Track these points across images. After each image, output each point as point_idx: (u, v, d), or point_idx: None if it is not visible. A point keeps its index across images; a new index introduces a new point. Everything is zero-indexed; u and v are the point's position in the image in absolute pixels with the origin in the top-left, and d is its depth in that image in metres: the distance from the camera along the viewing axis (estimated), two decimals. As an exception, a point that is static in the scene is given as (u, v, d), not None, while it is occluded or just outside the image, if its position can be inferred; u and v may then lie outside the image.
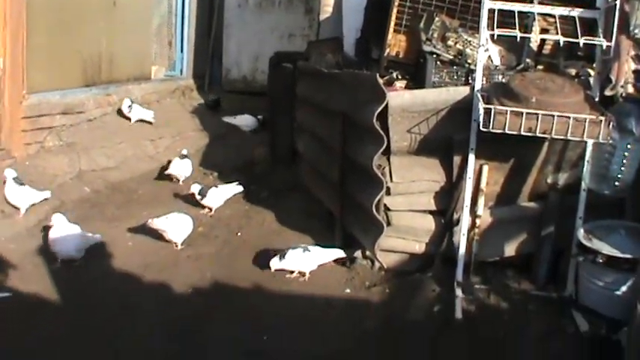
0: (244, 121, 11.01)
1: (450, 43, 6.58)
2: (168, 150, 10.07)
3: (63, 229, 6.29)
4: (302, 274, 6.03)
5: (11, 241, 6.70)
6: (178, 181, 8.94)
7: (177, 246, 6.64)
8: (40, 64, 8.80)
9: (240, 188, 7.95)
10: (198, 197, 7.68)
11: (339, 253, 6.17)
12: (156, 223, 6.67)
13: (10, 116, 8.09)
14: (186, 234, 6.72)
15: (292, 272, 6.04)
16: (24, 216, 7.14)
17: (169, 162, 9.13)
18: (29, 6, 8.37)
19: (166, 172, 9.00)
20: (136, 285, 5.94)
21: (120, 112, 10.11)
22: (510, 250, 5.92)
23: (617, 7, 5.36)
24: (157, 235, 6.84)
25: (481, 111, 5.16)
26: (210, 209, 7.71)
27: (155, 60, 13.05)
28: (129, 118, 10.06)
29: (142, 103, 10.77)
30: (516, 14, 5.63)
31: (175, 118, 11.00)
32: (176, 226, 6.68)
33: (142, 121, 10.22)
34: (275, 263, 5.97)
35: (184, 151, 9.37)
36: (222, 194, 7.76)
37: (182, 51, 13.64)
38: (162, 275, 6.08)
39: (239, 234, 7.05)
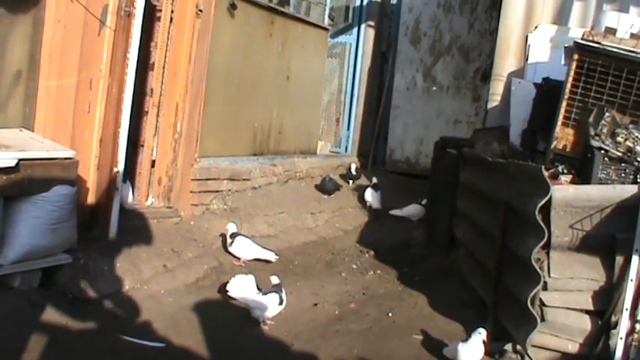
0: (412, 211, 10.73)
1: (619, 139, 6.44)
2: (327, 224, 10.26)
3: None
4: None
5: (170, 294, 6.99)
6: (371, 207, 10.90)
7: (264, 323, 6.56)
8: (213, 131, 9.23)
9: (273, 257, 8.18)
10: (228, 240, 8.01)
11: None
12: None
13: (182, 177, 8.52)
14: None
15: None
16: (184, 272, 7.47)
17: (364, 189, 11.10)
18: (209, 76, 8.83)
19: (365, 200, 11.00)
20: (284, 352, 6.04)
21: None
22: (672, 359, 5.65)
23: None
24: (307, 306, 6.97)
25: (648, 211, 5.02)
26: (238, 259, 8.06)
27: (322, 135, 13.40)
28: (232, 255, 8.16)
29: (305, 176, 11.05)
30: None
31: (337, 194, 11.17)
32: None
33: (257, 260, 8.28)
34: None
35: (374, 179, 11.01)
36: (250, 250, 8.08)
37: (349, 129, 13.94)
38: (310, 346, 6.15)
39: (390, 314, 7.03)
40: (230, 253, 8.04)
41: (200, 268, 7.68)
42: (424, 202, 10.58)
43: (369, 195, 11.06)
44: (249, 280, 6.73)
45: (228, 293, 6.71)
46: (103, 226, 7.38)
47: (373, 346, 6.22)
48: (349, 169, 11.90)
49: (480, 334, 5.73)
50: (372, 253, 9.32)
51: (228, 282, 6.81)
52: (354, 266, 8.73)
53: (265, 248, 8.25)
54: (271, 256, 8.20)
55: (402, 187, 11.90)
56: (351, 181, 11.89)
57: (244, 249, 8.03)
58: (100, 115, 7.32)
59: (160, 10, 8.50)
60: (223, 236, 8.17)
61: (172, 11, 8.45)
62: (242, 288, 6.67)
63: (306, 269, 8.45)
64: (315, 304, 7.20)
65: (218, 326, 6.32)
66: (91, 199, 7.38)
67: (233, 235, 8.00)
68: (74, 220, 6.67)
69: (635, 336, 5.50)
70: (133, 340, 5.78)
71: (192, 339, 6.01)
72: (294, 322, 6.61)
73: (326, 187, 11.10)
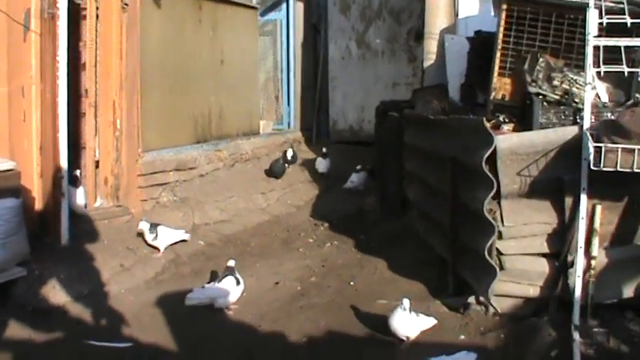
0: (359, 179, 10.80)
1: (555, 83, 6.51)
2: (279, 202, 10.29)
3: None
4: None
5: (130, 293, 6.95)
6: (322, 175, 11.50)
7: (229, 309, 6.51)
8: (154, 124, 9.17)
9: (188, 236, 8.16)
10: (148, 236, 7.79)
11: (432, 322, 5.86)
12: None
13: (128, 174, 8.45)
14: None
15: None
16: (142, 269, 7.44)
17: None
18: (143, 69, 8.74)
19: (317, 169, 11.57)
20: (251, 335, 6.02)
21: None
22: (629, 291, 5.72)
23: None
24: (269, 286, 6.99)
25: (591, 150, 5.09)
26: (159, 250, 7.84)
27: (263, 115, 13.39)
28: (156, 248, 7.89)
29: (251, 157, 11.02)
30: (622, 49, 5.53)
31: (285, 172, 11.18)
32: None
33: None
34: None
35: (324, 149, 11.52)
36: (171, 237, 7.97)
37: (289, 105, 13.98)
38: (277, 325, 6.14)
39: (351, 283, 7.05)
40: (152, 246, 7.83)
41: (157, 263, 7.64)
42: (359, 167, 10.68)
43: (319, 163, 11.49)
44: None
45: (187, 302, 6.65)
46: (55, 234, 7.29)
47: (339, 317, 6.23)
48: (284, 154, 11.55)
49: (403, 305, 5.58)
50: (326, 225, 9.36)
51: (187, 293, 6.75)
52: (311, 240, 8.75)
53: (176, 229, 8.20)
54: (186, 236, 8.16)
55: (349, 156, 11.94)
56: (287, 165, 11.47)
57: (168, 237, 7.92)
58: (37, 123, 7.20)
59: (85, 9, 8.34)
60: (141, 235, 8.01)
61: (97, 8, 8.29)
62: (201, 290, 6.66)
63: (263, 249, 8.45)
64: (277, 283, 7.20)
65: (183, 318, 6.28)
66: (38, 208, 7.27)
67: (153, 227, 7.80)
68: (24, 232, 6.57)
69: (592, 272, 5.58)
70: (100, 344, 5.74)
71: (159, 334, 5.96)
72: (257, 304, 6.60)
73: (275, 171, 11.08)
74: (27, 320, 6.02)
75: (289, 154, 11.51)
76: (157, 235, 7.78)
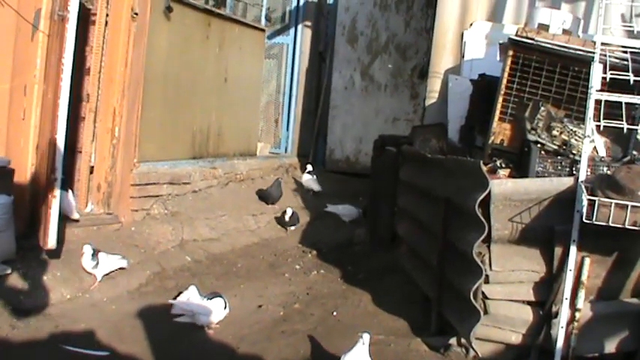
0: (346, 210, 10.82)
1: (555, 133, 6.55)
2: (269, 225, 10.26)
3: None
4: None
5: (113, 302, 6.91)
6: (310, 191, 11.76)
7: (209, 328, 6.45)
8: (152, 135, 9.15)
9: (125, 262, 7.47)
10: (89, 261, 7.07)
11: None
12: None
13: (121, 183, 8.42)
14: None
15: None
16: (126, 279, 7.40)
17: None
18: (146, 79, 8.75)
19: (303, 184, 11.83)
20: (230, 356, 5.99)
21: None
22: (610, 346, 5.73)
23: None
24: (252, 309, 6.96)
25: (585, 202, 5.11)
26: (96, 278, 7.15)
27: (261, 137, 13.41)
28: (92, 275, 7.19)
29: (246, 178, 11.02)
30: (623, 105, 5.57)
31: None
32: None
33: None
34: None
35: (309, 167, 11.73)
36: (110, 264, 7.28)
37: (288, 129, 14.00)
38: (256, 348, 6.10)
39: (334, 313, 7.03)
40: (89, 273, 7.16)
41: (142, 274, 7.61)
42: (361, 209, 10.71)
43: (306, 180, 11.77)
44: (192, 291, 6.68)
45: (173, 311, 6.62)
46: (42, 235, 7.22)
47: (319, 346, 6.21)
48: (284, 213, 10.30)
49: (362, 339, 5.44)
50: (314, 252, 9.35)
51: (173, 299, 6.72)
52: (298, 267, 8.73)
53: (116, 255, 7.55)
54: (123, 263, 7.48)
55: (343, 186, 11.95)
56: (288, 228, 10.40)
57: (110, 264, 7.31)
58: (36, 122, 7.19)
59: (95, 14, 8.36)
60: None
61: (107, 15, 8.32)
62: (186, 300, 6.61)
63: (249, 271, 8.43)
64: (260, 306, 7.18)
65: (163, 332, 6.25)
66: (28, 207, 7.25)
67: (95, 255, 7.14)
68: (12, 230, 6.56)
69: (576, 324, 5.58)
70: (77, 350, 5.70)
71: (137, 346, 5.93)
72: (239, 325, 6.58)
73: (271, 196, 10.92)
74: (6, 319, 5.99)
75: (288, 214, 10.24)
76: (98, 263, 7.15)
